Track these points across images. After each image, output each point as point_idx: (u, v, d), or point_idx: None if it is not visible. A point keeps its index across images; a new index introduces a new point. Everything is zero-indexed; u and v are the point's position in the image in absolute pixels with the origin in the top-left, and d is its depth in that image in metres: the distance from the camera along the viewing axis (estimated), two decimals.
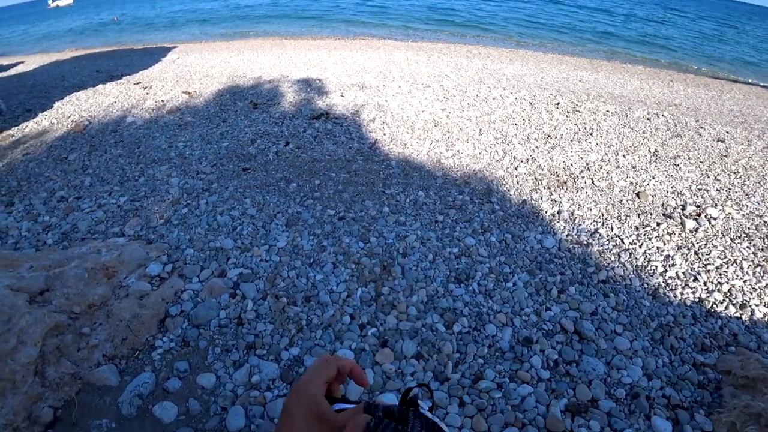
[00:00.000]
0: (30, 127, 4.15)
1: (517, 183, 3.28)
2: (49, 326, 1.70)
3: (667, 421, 1.68)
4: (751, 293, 2.30)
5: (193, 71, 6.56)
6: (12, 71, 6.92)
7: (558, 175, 3.40)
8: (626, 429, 1.64)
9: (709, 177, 3.46)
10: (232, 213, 2.75)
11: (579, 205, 3.03)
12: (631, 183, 3.32)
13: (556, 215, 2.92)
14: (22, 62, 7.96)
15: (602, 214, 2.94)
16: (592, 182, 3.32)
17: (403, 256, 2.44)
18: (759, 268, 2.48)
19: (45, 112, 4.52)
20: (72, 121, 4.23)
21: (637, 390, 1.79)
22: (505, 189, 3.20)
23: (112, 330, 1.87)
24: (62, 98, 5.03)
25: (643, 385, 1.82)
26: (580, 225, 2.83)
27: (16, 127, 4.14)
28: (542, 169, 3.49)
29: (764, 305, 2.23)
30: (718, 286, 2.34)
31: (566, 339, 2.01)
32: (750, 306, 2.22)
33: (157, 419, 1.59)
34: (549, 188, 3.23)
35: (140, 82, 5.71)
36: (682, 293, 2.30)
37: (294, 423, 0.50)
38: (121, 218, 2.67)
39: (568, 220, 2.88)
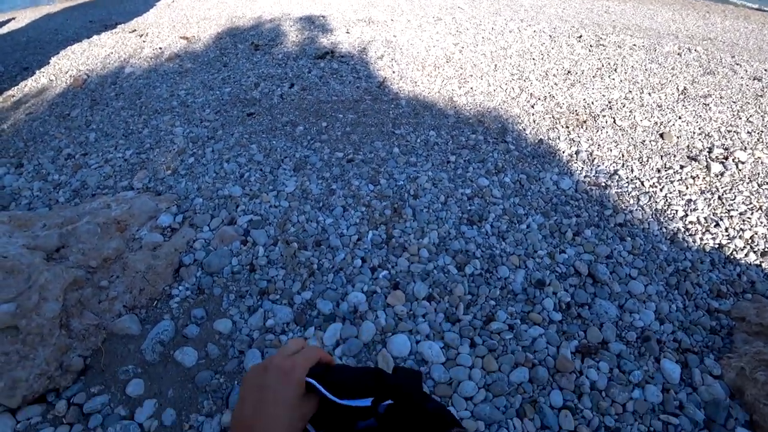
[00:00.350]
0: (29, 85, 4.05)
1: (534, 122, 3.12)
2: (67, 281, 1.74)
3: (677, 364, 1.68)
4: None
5: (189, 15, 6.24)
6: (4, 29, 6.67)
7: (577, 114, 3.22)
8: (635, 371, 1.65)
9: (740, 118, 3.23)
10: (238, 160, 2.70)
11: (598, 145, 2.89)
12: (656, 123, 3.13)
13: (574, 155, 2.80)
14: (13, 19, 7.65)
15: (623, 155, 2.81)
16: (614, 121, 3.14)
17: (414, 198, 2.39)
18: None
19: (42, 69, 4.39)
20: (70, 76, 4.10)
21: (648, 333, 1.78)
22: (520, 128, 3.06)
23: (129, 282, 1.91)
24: (58, 53, 4.85)
25: (655, 329, 1.81)
26: (598, 166, 2.71)
27: (15, 87, 4.05)
28: (561, 107, 3.31)
29: None
30: (740, 232, 2.26)
31: (579, 282, 1.99)
32: None
33: (179, 364, 1.65)
34: (567, 127, 3.07)
35: (135, 30, 5.47)
36: (701, 239, 2.23)
37: (279, 405, 0.47)
38: (129, 171, 2.64)
39: (587, 160, 2.76)
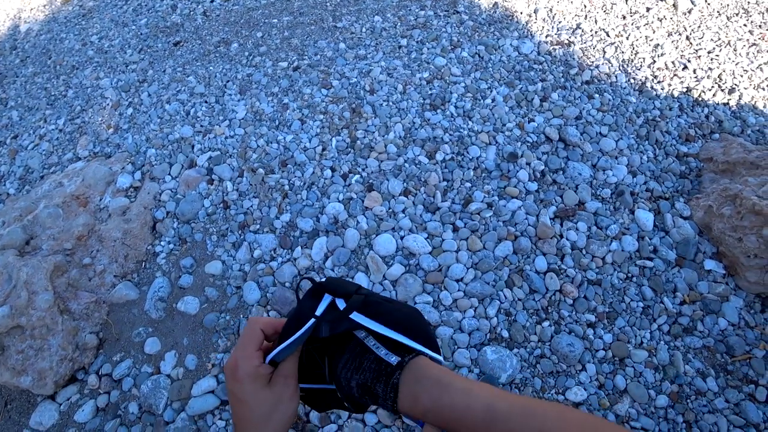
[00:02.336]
0: None
1: None
2: (49, 270, 1.73)
3: (650, 212, 1.75)
4: (742, 76, 2.16)
5: None
6: None
7: None
8: (611, 225, 1.72)
9: None
10: (179, 97, 2.49)
11: None
12: None
13: (533, 15, 2.58)
14: None
15: (584, 6, 2.59)
16: None
17: (370, 94, 2.26)
18: (753, 47, 2.26)
19: None
20: None
21: (622, 188, 1.82)
22: None
23: (110, 252, 1.90)
24: None
25: (628, 182, 1.85)
26: (560, 22, 2.52)
27: None
28: None
29: (753, 87, 2.11)
30: (708, 72, 2.19)
31: (551, 148, 1.97)
32: (739, 90, 2.10)
33: (184, 313, 1.72)
34: None
35: None
36: (670, 84, 2.17)
37: (248, 406, 0.47)
38: (69, 142, 2.45)
39: (547, 18, 2.55)
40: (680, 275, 1.61)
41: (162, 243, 1.92)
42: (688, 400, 1.39)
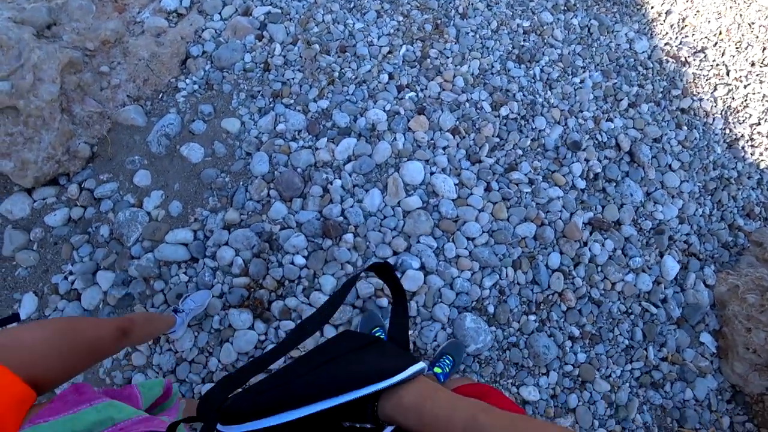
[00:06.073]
0: None
1: None
2: (63, 62, 1.59)
3: (678, 263, 1.67)
4: None
5: None
6: None
7: None
8: (637, 257, 1.64)
9: None
10: None
11: (697, 11, 2.34)
12: None
13: (663, 15, 2.30)
14: None
15: (720, 32, 2.30)
16: None
17: (461, 17, 2.04)
18: None
19: None
20: None
21: (663, 227, 1.72)
22: None
23: (131, 69, 1.77)
24: None
25: (673, 226, 1.74)
26: (686, 37, 2.25)
27: None
28: None
29: None
30: None
31: (616, 156, 1.83)
32: None
33: (185, 158, 1.63)
34: None
35: None
36: (762, 153, 2.00)
37: None
38: None
39: (675, 26, 2.27)
40: (674, 334, 1.57)
41: (187, 81, 1.79)
42: None
